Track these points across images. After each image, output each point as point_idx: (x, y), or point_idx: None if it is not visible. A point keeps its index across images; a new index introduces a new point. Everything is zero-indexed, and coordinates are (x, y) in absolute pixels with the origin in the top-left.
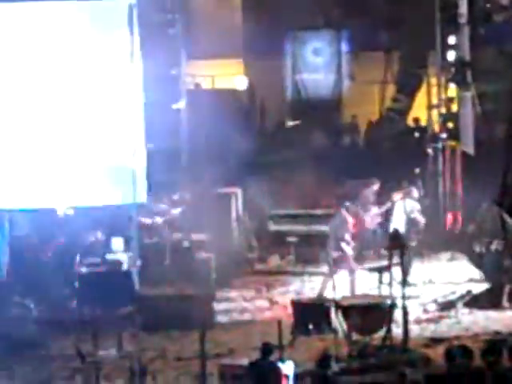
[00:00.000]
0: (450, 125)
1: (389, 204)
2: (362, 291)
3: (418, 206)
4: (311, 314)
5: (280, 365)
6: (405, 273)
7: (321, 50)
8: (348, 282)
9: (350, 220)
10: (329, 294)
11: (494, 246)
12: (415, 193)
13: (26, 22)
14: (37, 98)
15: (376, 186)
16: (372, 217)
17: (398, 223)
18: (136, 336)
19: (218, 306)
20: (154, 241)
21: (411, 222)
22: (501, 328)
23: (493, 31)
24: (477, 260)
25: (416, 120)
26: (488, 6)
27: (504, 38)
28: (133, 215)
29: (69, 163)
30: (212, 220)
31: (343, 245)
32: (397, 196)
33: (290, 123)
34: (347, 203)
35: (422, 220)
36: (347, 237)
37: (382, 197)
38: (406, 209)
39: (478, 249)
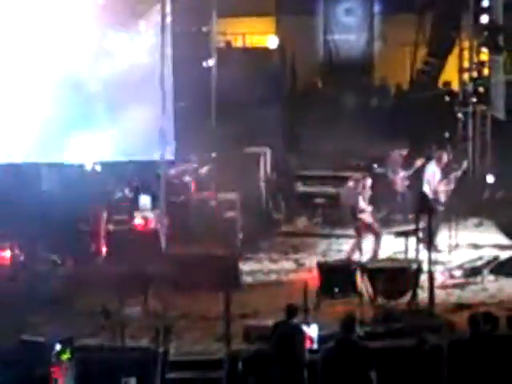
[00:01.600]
0: (481, 89)
1: (414, 167)
2: (388, 255)
3: (437, 173)
4: (337, 276)
5: (304, 327)
6: (431, 237)
7: (353, 11)
8: (371, 247)
9: (369, 183)
10: (356, 257)
11: None
12: (444, 157)
13: None
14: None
15: (405, 149)
16: (400, 179)
17: (426, 187)
18: (161, 295)
19: (243, 267)
20: (182, 199)
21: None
22: None
23: None
24: (505, 226)
25: (447, 84)
26: None
27: None
28: (160, 173)
29: (98, 119)
30: (240, 180)
31: (359, 214)
32: (421, 160)
33: None
34: (375, 166)
35: (442, 187)
36: (362, 204)
37: (410, 160)
38: (431, 173)
39: (506, 215)
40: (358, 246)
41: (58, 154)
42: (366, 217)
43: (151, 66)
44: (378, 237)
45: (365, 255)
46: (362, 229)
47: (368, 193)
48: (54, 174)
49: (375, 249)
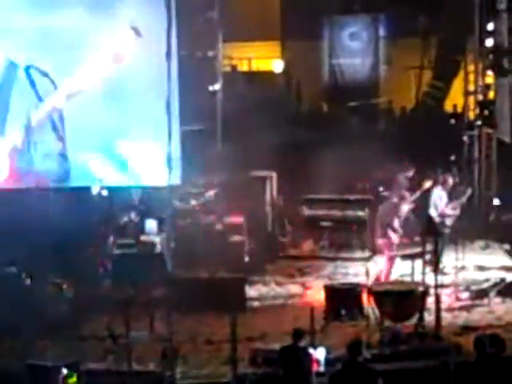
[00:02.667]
0: (487, 112)
1: (422, 190)
2: (394, 278)
3: (444, 197)
4: (343, 299)
5: (311, 350)
6: (438, 260)
7: (358, 35)
8: (385, 270)
9: (406, 208)
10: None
11: None
12: (450, 180)
13: None
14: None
15: (410, 172)
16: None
17: (432, 210)
18: (168, 318)
19: (250, 290)
20: (188, 223)
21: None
22: None
23: None
24: (511, 249)
25: (454, 106)
26: None
27: None
28: (167, 197)
29: (104, 143)
30: (246, 203)
31: (390, 232)
32: (428, 183)
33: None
34: (381, 189)
35: (449, 210)
36: (396, 224)
37: (416, 183)
38: (437, 196)
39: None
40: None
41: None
42: (394, 238)
43: (157, 90)
44: (392, 260)
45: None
46: (381, 248)
47: (402, 217)
48: (61, 198)
49: (387, 272)
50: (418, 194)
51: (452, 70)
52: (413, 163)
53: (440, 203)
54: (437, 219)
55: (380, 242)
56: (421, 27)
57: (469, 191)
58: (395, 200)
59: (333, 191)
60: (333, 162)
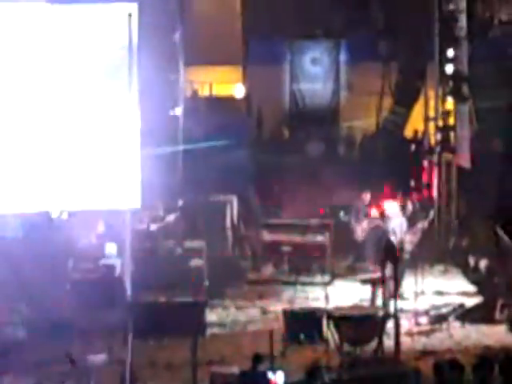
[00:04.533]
0: (447, 138)
1: (382, 216)
2: (354, 302)
3: (404, 223)
4: (303, 323)
5: (270, 375)
6: (397, 285)
7: (319, 60)
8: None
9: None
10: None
11: (483, 264)
12: (410, 206)
13: (20, 24)
14: (32, 101)
15: (367, 198)
16: (362, 229)
17: (392, 236)
18: (127, 342)
19: (210, 315)
20: (148, 247)
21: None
22: (493, 343)
23: (491, 46)
24: (470, 274)
25: (415, 132)
26: (486, 20)
27: (502, 54)
28: (127, 221)
29: (64, 167)
30: (206, 228)
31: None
32: (388, 208)
33: None
34: (341, 214)
35: (409, 236)
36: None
37: (376, 208)
38: (397, 222)
39: (471, 263)
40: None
41: (24, 203)
42: None
43: (118, 113)
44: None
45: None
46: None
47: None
48: (19, 222)
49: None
50: (379, 218)
51: (412, 95)
52: (373, 189)
53: (400, 229)
54: (396, 245)
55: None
56: (382, 53)
57: (431, 215)
58: (353, 224)
59: (293, 216)
60: (293, 187)
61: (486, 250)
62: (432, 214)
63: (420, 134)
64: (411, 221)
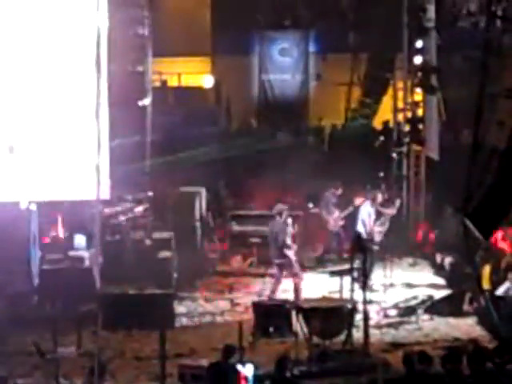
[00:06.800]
0: (415, 129)
1: (351, 207)
2: (322, 294)
3: (372, 213)
4: (272, 316)
5: (239, 367)
6: (366, 277)
7: (288, 51)
8: (294, 287)
9: (290, 221)
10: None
11: (447, 261)
12: (379, 197)
13: None
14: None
15: (339, 189)
16: (334, 219)
17: (360, 227)
18: (96, 334)
19: (178, 306)
20: (117, 238)
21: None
22: (461, 335)
23: (459, 37)
24: (438, 266)
25: (384, 123)
26: (455, 11)
27: (470, 44)
28: (95, 212)
29: (32, 158)
30: (175, 219)
31: (286, 251)
32: (358, 199)
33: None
34: (310, 205)
35: (377, 227)
36: (289, 241)
37: (345, 199)
38: (366, 213)
39: (439, 255)
40: (278, 285)
41: None
42: (291, 255)
43: (86, 104)
44: (298, 277)
45: (286, 294)
46: (285, 267)
47: (290, 230)
48: None
49: (297, 289)
50: (348, 210)
51: (381, 87)
52: (342, 179)
53: (368, 220)
54: (365, 236)
55: (278, 261)
56: (351, 44)
57: (397, 202)
58: (324, 215)
59: (262, 207)
60: (262, 178)
61: (455, 241)
62: (398, 202)
63: (389, 125)
64: (380, 212)
